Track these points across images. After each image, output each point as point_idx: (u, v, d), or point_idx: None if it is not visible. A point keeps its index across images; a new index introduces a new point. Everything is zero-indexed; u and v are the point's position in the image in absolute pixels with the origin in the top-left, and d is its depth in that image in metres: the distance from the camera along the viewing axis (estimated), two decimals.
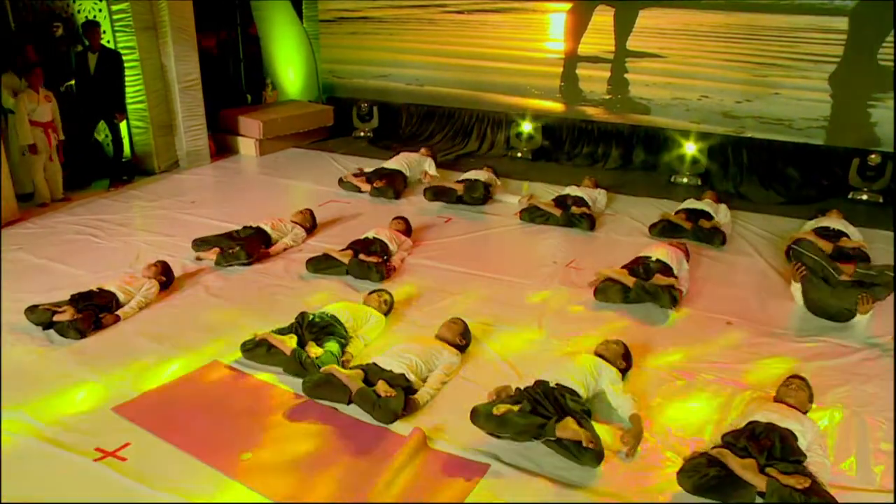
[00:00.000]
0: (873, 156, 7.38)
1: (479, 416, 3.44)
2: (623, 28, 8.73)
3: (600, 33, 8.86)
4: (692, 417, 3.76)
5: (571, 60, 9.18)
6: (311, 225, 6.35)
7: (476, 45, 9.70)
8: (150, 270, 5.06)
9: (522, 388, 3.70)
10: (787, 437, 3.27)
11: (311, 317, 4.35)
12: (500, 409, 3.40)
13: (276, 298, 5.08)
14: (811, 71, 7.83)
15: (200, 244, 5.78)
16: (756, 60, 8.09)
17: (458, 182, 7.39)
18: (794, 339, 4.61)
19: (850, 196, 7.52)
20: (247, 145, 8.98)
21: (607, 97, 9.06)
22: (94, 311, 4.53)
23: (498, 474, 3.25)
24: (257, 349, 4.13)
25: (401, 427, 3.55)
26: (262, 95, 10.30)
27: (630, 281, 4.99)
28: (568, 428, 3.31)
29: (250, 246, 5.66)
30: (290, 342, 4.11)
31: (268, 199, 7.43)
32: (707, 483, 3.05)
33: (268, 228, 5.99)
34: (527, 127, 9.18)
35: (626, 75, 8.88)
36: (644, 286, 4.93)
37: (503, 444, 3.44)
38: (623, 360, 4.05)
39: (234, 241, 5.76)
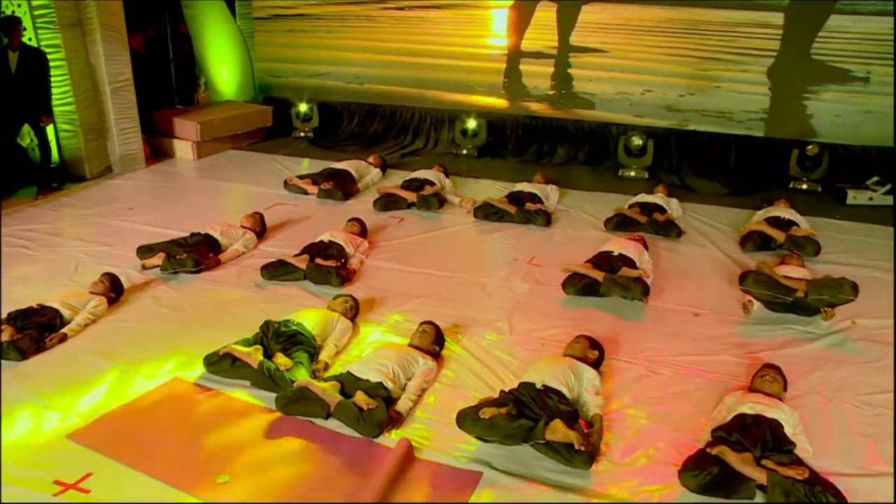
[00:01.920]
0: (811, 146, 7.61)
1: (466, 420, 3.32)
2: (566, 23, 8.75)
3: (543, 29, 8.86)
4: (677, 411, 3.73)
5: (515, 56, 9.15)
6: (261, 229, 6.09)
7: (417, 42, 9.55)
8: (98, 286, 4.71)
9: (507, 390, 3.60)
10: (777, 428, 3.28)
11: (276, 326, 4.13)
12: (486, 413, 3.28)
13: (233, 308, 4.82)
14: (750, 65, 8.04)
15: (145, 252, 5.45)
16: (697, 55, 8.25)
17: (408, 181, 7.24)
18: (760, 329, 4.66)
19: (790, 186, 7.73)
20: (183, 148, 8.57)
21: (551, 93, 9.07)
22: (36, 330, 4.18)
23: (492, 482, 3.13)
24: (221, 363, 3.89)
25: (384, 438, 3.39)
26: (194, 96, 9.89)
27: (599, 275, 4.96)
28: (558, 430, 3.22)
29: (199, 253, 5.37)
30: (257, 354, 3.88)
31: (210, 204, 7.10)
32: (711, 482, 3.01)
33: (217, 234, 5.69)
34: (471, 124, 9.10)
35: (569, 70, 8.91)
36: (614, 279, 4.90)
37: (492, 449, 3.33)
38: (591, 349, 4.00)
39: (182, 248, 5.46)
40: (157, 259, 5.31)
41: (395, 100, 9.79)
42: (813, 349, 4.40)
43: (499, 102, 9.36)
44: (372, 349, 4.14)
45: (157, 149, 8.58)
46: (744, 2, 7.94)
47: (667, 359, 4.25)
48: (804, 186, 7.68)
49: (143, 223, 6.38)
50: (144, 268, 5.31)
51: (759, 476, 3.02)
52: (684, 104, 8.40)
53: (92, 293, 4.70)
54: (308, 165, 8.43)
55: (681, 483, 3.08)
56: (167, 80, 10.04)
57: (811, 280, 4.67)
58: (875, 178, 7.40)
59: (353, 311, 4.58)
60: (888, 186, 7.24)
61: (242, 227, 5.94)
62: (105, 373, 3.96)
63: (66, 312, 4.44)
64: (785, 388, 3.73)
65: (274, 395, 3.69)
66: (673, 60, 8.38)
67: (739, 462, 3.06)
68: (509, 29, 9.07)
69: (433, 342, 4.12)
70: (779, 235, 5.89)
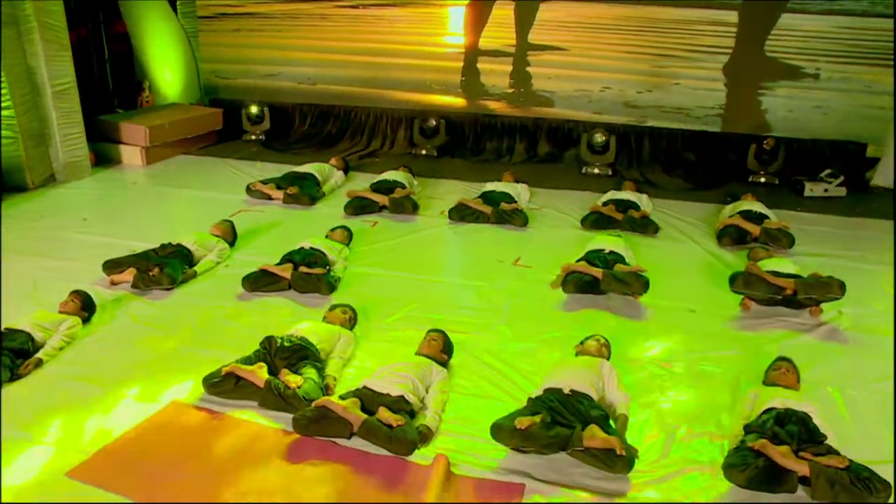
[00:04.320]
0: (768, 140, 7.82)
1: (503, 431, 3.21)
2: (524, 21, 8.73)
3: (501, 27, 8.81)
4: (697, 409, 3.71)
5: (472, 55, 9.07)
6: (232, 238, 5.80)
7: (372, 41, 9.34)
8: (68, 306, 4.35)
9: (534, 397, 3.51)
10: (808, 420, 3.30)
11: (279, 341, 3.90)
12: (523, 423, 3.18)
13: (219, 323, 4.54)
14: (706, 62, 8.21)
15: (112, 267, 5.09)
16: (655, 52, 8.37)
17: (376, 184, 7.05)
18: (756, 323, 4.70)
19: (749, 179, 7.92)
20: (131, 154, 8.10)
21: (510, 91, 9.04)
22: (8, 357, 3.81)
23: (538, 494, 3.02)
24: (224, 383, 3.64)
25: (415, 454, 3.24)
26: (137, 99, 9.39)
27: (598, 272, 4.92)
28: (596, 436, 3.15)
29: (173, 268, 5.04)
30: (262, 372, 3.65)
31: (170, 213, 6.75)
32: (758, 476, 3.00)
33: (190, 245, 5.37)
34: (430, 123, 8.96)
35: (528, 68, 8.89)
36: (614, 275, 4.87)
37: (527, 459, 3.23)
38: (604, 346, 3.99)
39: (152, 261, 5.12)
40: (127, 275, 4.98)
41: (350, 100, 9.55)
42: (810, 340, 4.48)
43: (456, 101, 9.26)
44: (368, 359, 3.96)
45: (102, 155, 8.08)
46: (698, 0, 8.10)
47: (674, 356, 4.24)
48: (762, 180, 7.88)
49: (100, 235, 5.97)
50: (113, 283, 4.97)
51: (801, 468, 3.02)
52: (643, 101, 8.51)
53: (62, 313, 4.35)
54: (261, 168, 8.12)
55: (727, 478, 3.07)
56: (104, 83, 9.53)
57: (800, 280, 4.74)
58: (828, 171, 7.65)
59: (352, 322, 4.39)
60: (841, 178, 7.51)
61: (214, 235, 5.63)
62: (92, 400, 3.65)
63: (38, 335, 4.08)
64: (798, 380, 3.76)
65: (284, 414, 3.49)
66: (631, 58, 8.48)
67: (781, 455, 3.05)
68: (467, 27, 8.98)
69: (442, 350, 3.98)
70: (754, 229, 6.00)
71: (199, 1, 9.76)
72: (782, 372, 3.74)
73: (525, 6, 8.69)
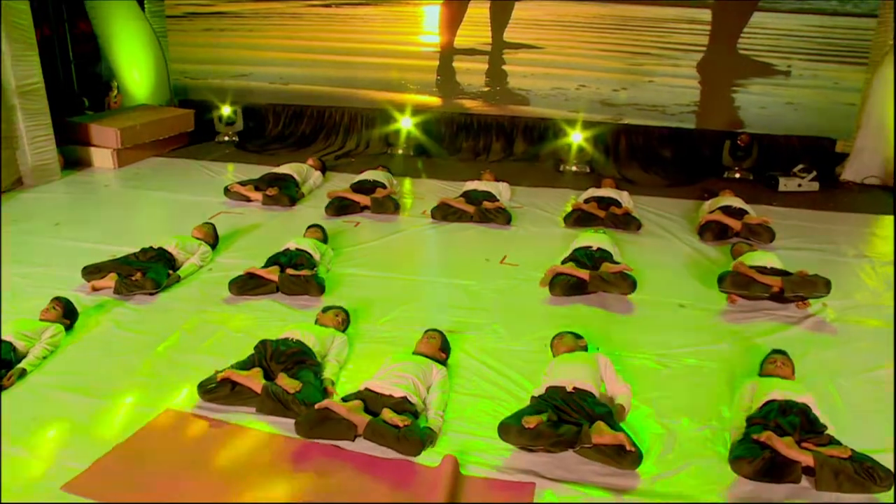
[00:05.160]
0: (743, 136, 7.94)
1: (510, 432, 3.19)
2: (499, 20, 8.73)
3: (476, 25, 8.80)
4: (696, 404, 3.71)
5: (447, 53, 9.04)
6: (214, 241, 5.68)
7: (345, 41, 9.26)
8: (49, 314, 4.21)
9: (537, 395, 3.49)
10: (808, 411, 3.34)
11: (273, 346, 3.82)
12: (530, 422, 3.16)
13: (207, 328, 4.42)
14: (681, 59, 8.30)
15: (93, 272, 4.94)
16: (630, 50, 8.43)
17: (357, 184, 6.97)
18: (744, 316, 4.74)
19: (724, 175, 8.02)
20: (102, 156, 7.89)
21: (486, 89, 9.03)
22: None
23: (549, 492, 3.00)
24: (219, 389, 3.56)
25: (423, 456, 3.19)
26: (105, 101, 9.16)
27: (585, 273, 4.93)
28: (604, 433, 3.14)
29: (156, 272, 4.92)
30: (258, 377, 3.58)
31: (147, 216, 6.62)
32: (764, 467, 3.02)
33: (171, 249, 5.25)
34: (405, 123, 8.91)
35: (503, 67, 8.90)
36: (601, 276, 4.88)
37: (535, 457, 3.21)
38: (582, 341, 4.03)
39: (134, 265, 4.99)
40: (109, 280, 4.84)
41: (324, 100, 9.45)
42: (799, 333, 4.54)
43: (432, 101, 9.22)
44: (362, 361, 3.91)
45: (72, 158, 7.86)
46: None
47: (668, 351, 4.25)
48: (737, 175, 7.99)
49: (75, 240, 5.81)
50: (94, 289, 4.82)
51: (806, 458, 3.05)
52: (618, 99, 8.57)
53: (44, 321, 4.20)
54: (234, 170, 7.99)
55: (734, 470, 3.09)
56: (69, 83, 9.29)
57: (786, 278, 4.79)
58: (800, 166, 7.79)
59: (346, 324, 4.33)
60: (814, 173, 7.66)
61: (195, 238, 5.51)
62: (82, 410, 3.53)
63: (19, 344, 3.94)
64: (793, 372, 3.81)
65: (283, 420, 3.42)
66: (606, 56, 8.54)
67: (786, 447, 3.08)
68: (442, 26, 8.95)
69: (440, 349, 3.95)
70: (735, 224, 6.08)
71: (167, 0, 9.53)
72: (778, 365, 3.78)
73: (500, 5, 8.69)
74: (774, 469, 3.05)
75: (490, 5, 8.71)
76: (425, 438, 3.21)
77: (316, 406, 3.33)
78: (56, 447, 3.26)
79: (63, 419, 3.45)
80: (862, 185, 7.84)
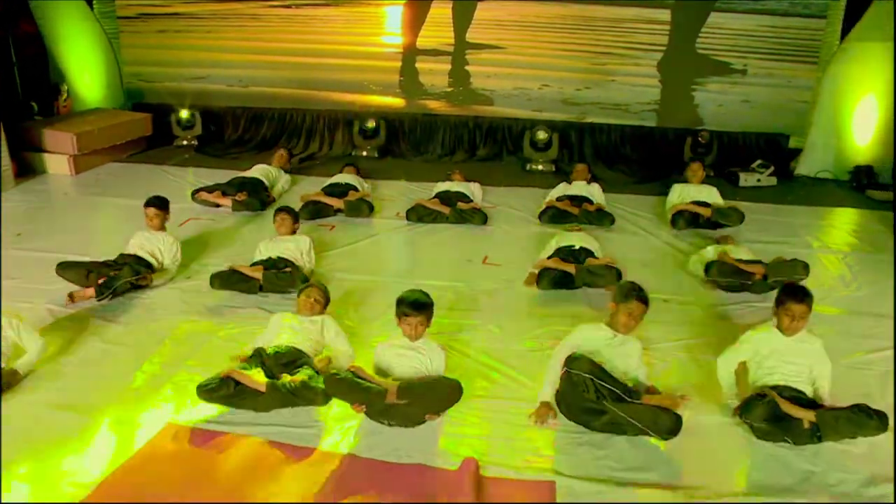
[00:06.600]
0: (703, 133, 8.15)
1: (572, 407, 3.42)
2: (462, 20, 8.75)
3: (439, 26, 8.80)
4: (700, 396, 3.76)
5: (410, 54, 9.02)
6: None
7: (306, 42, 9.15)
8: None
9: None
10: (801, 396, 3.48)
11: (271, 350, 3.76)
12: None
13: (193, 339, 4.30)
14: (641, 59, 8.47)
15: (66, 268, 4.85)
16: (591, 50, 8.57)
17: (329, 187, 6.90)
18: (729, 309, 4.89)
19: (686, 172, 8.20)
20: (57, 163, 7.59)
21: (449, 90, 9.04)
22: None
23: (570, 490, 3.02)
24: (221, 389, 3.49)
25: (440, 460, 3.19)
26: (54, 105, 8.80)
27: (571, 267, 5.00)
28: (654, 394, 3.45)
29: (132, 268, 4.83)
30: (259, 377, 3.53)
31: (111, 223, 6.40)
32: (771, 412, 3.31)
33: (145, 255, 5.10)
34: (369, 124, 8.85)
35: (467, 67, 8.93)
36: (588, 268, 4.99)
37: (555, 456, 3.23)
38: None
39: (112, 269, 4.87)
40: (86, 291, 4.70)
41: (285, 102, 9.30)
42: None
43: (395, 101, 9.18)
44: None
45: (24, 165, 7.54)
46: None
47: (661, 345, 4.33)
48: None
49: (39, 250, 5.56)
50: (73, 300, 4.65)
51: (807, 415, 3.28)
52: (581, 98, 8.70)
53: None
54: (193, 175, 7.80)
55: (743, 419, 3.44)
56: (12, 87, 8.88)
57: (767, 264, 5.04)
58: (759, 162, 8.06)
59: (322, 303, 4.16)
60: (771, 168, 7.93)
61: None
62: (77, 428, 3.40)
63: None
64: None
65: (289, 430, 3.38)
66: (568, 56, 8.66)
67: (788, 405, 3.33)
68: (404, 26, 8.91)
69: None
70: (705, 211, 6.31)
71: (118, 1, 9.23)
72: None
73: (462, 5, 8.72)
74: (781, 415, 3.31)
75: (452, 6, 8.73)
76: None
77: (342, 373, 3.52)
78: (60, 470, 3.11)
79: (64, 441, 3.29)
80: (815, 179, 8.15)
